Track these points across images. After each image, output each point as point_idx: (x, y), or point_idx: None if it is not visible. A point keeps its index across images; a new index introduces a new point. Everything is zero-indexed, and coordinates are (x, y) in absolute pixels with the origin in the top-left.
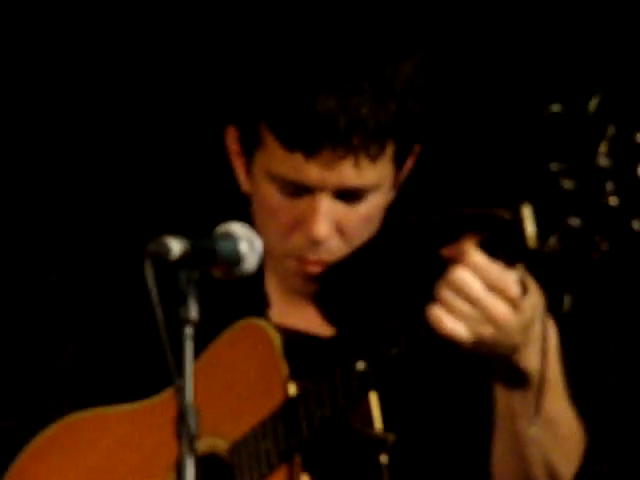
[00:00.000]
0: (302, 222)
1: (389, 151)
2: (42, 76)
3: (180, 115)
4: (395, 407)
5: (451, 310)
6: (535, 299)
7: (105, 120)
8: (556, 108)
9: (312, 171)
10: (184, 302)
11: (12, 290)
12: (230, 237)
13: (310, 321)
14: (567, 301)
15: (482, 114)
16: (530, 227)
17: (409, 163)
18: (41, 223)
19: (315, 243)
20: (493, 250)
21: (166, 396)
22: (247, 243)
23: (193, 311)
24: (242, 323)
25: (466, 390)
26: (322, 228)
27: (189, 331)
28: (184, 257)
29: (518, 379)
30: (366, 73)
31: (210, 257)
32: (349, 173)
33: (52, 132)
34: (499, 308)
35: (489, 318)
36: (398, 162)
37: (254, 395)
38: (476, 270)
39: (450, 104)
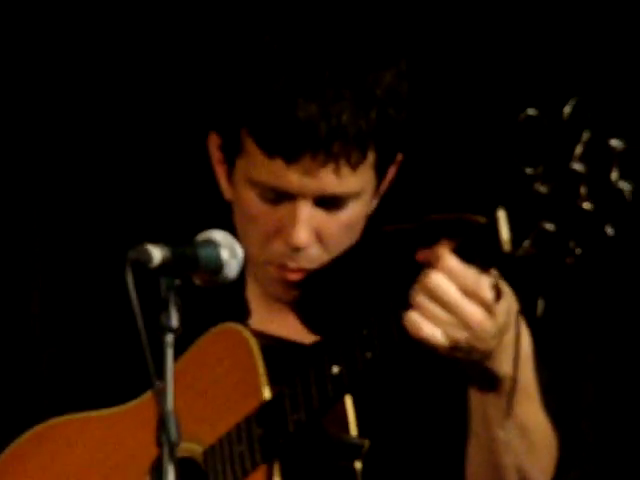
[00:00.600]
0: (282, 229)
1: (370, 159)
2: (17, 83)
3: (164, 122)
4: (369, 412)
5: (426, 315)
6: (509, 304)
7: (85, 128)
8: (531, 112)
9: (292, 177)
10: (165, 309)
11: None
12: (211, 244)
13: (291, 329)
14: (540, 305)
15: (457, 119)
16: (505, 231)
17: (391, 172)
18: (23, 230)
19: (295, 250)
20: (468, 255)
21: (144, 400)
22: (228, 250)
23: (174, 318)
24: (219, 328)
25: (441, 395)
26: (302, 235)
27: (170, 338)
28: (165, 264)
29: (491, 384)
30: (347, 80)
31: (191, 264)
32: (329, 180)
33: (33, 140)
34: (474, 313)
35: (464, 323)
36: (379, 170)
37: (231, 400)
38: (451, 275)
39: (427, 109)
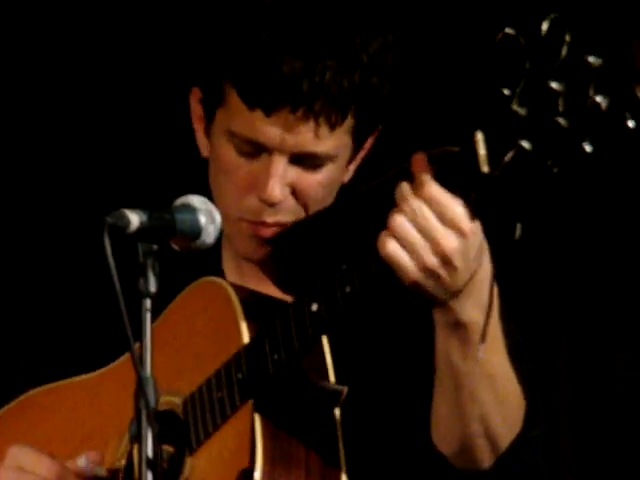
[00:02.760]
0: (256, 184)
1: (349, 123)
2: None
3: (143, 80)
4: (346, 359)
5: (399, 237)
6: (481, 242)
7: (63, 87)
8: (509, 31)
9: (271, 131)
10: (143, 275)
11: None
12: (189, 209)
13: (263, 290)
14: (518, 229)
15: (435, 41)
16: (482, 152)
17: (369, 142)
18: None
19: (269, 205)
20: (447, 181)
21: (122, 362)
22: (206, 216)
23: (152, 284)
24: (197, 282)
25: (413, 339)
26: (275, 189)
27: (147, 304)
28: (142, 229)
29: (457, 329)
30: (335, 41)
31: (169, 230)
32: (307, 137)
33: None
34: (448, 240)
35: (437, 249)
36: (357, 138)
37: (211, 349)
38: (431, 202)
39: (404, 32)
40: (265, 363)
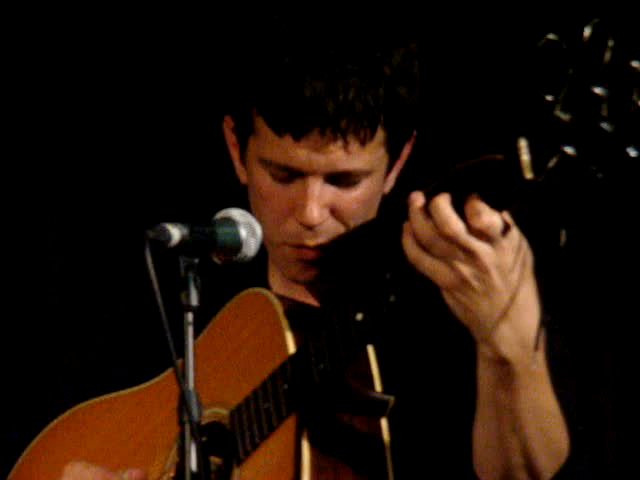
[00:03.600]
0: (295, 208)
1: (380, 136)
2: (34, 70)
3: (184, 108)
4: (392, 368)
5: (432, 250)
6: (523, 260)
7: (110, 111)
8: (551, 37)
9: (301, 154)
10: (185, 288)
11: (13, 285)
12: (230, 223)
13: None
14: (563, 236)
15: (476, 48)
16: (526, 157)
17: (405, 150)
18: (39, 215)
19: (309, 228)
20: (490, 192)
21: (167, 376)
22: (247, 228)
23: (193, 297)
24: (242, 293)
25: (459, 349)
26: (314, 212)
27: (190, 317)
28: (183, 243)
29: (498, 364)
30: (355, 57)
31: (210, 243)
32: (339, 156)
33: (50, 120)
34: (483, 248)
35: (473, 261)
36: (391, 149)
37: (257, 361)
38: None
39: (444, 38)
40: (311, 373)
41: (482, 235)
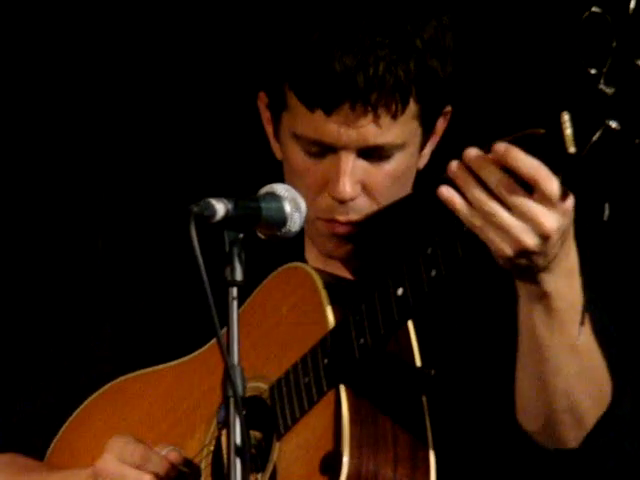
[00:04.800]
0: (327, 182)
1: (412, 110)
2: (74, 66)
3: (225, 85)
4: (431, 342)
5: (492, 222)
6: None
7: (156, 89)
8: (595, 10)
9: (333, 129)
10: (229, 263)
11: (56, 257)
12: (274, 197)
13: None
14: (606, 209)
15: (520, 19)
16: (569, 131)
17: (440, 125)
18: (87, 189)
19: (341, 202)
20: None
21: (206, 350)
22: (291, 203)
23: (238, 272)
24: (282, 268)
25: (497, 321)
26: (347, 187)
27: (234, 292)
28: (228, 218)
29: (543, 300)
30: (386, 30)
31: (254, 218)
32: (370, 130)
33: (95, 100)
34: (550, 220)
35: (539, 230)
36: (425, 122)
37: (296, 335)
38: (528, 179)
39: (488, 12)
40: (351, 348)
41: (544, 202)
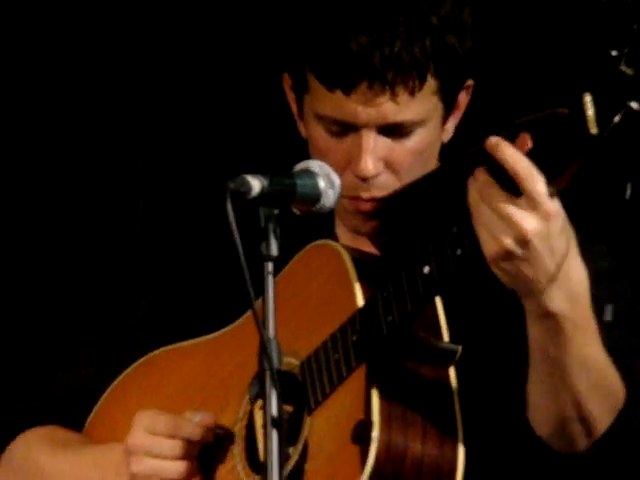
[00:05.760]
0: (350, 160)
1: (431, 85)
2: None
3: (259, 66)
4: (459, 318)
5: (477, 215)
6: (564, 225)
7: (198, 76)
8: None
9: (352, 108)
10: (265, 239)
11: (96, 232)
12: (309, 174)
13: None
14: (629, 189)
15: (538, 4)
16: (591, 112)
17: (462, 99)
18: (126, 167)
19: (364, 180)
20: (554, 145)
21: (239, 325)
22: (325, 180)
23: (274, 248)
24: (311, 245)
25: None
26: (369, 164)
27: (270, 267)
28: (263, 194)
29: (548, 320)
30: (401, 8)
31: (289, 194)
32: (389, 108)
33: (133, 80)
34: (527, 222)
35: (514, 232)
36: (445, 97)
37: (326, 311)
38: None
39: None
40: (379, 325)
41: (527, 202)
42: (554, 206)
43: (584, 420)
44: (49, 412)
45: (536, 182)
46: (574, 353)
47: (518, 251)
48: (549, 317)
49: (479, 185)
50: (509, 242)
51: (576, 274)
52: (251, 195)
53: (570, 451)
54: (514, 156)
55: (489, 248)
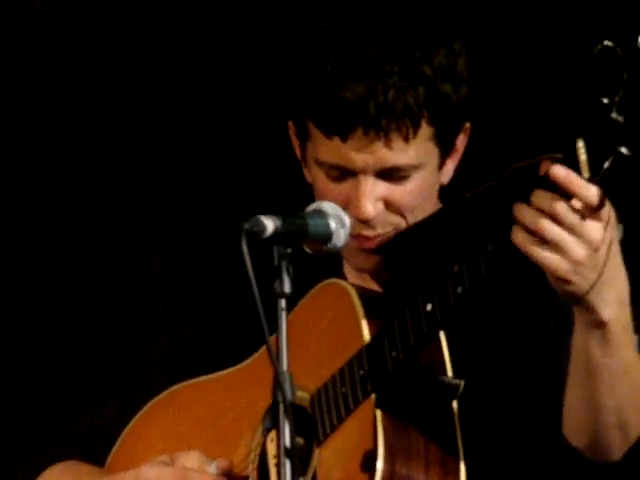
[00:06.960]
0: (350, 203)
1: (426, 132)
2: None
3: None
4: (462, 353)
5: (546, 238)
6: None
7: (203, 117)
8: (607, 43)
9: (350, 154)
10: (278, 276)
11: (120, 265)
12: (320, 214)
13: None
14: (620, 230)
15: (533, 55)
16: (583, 157)
17: (460, 142)
18: (144, 210)
19: (364, 222)
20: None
21: (254, 360)
22: (336, 220)
23: (287, 285)
24: (321, 284)
25: (534, 335)
26: (369, 207)
27: (283, 304)
28: (277, 234)
29: (598, 327)
30: (395, 58)
31: (302, 234)
32: (384, 154)
33: (145, 126)
34: (595, 231)
35: (587, 240)
36: (441, 142)
37: (335, 348)
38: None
39: (502, 45)
40: (384, 361)
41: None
42: (610, 212)
43: (622, 427)
44: (72, 448)
45: (590, 190)
46: (621, 357)
47: (587, 261)
48: (601, 325)
49: (543, 203)
50: (581, 253)
51: (622, 278)
52: (265, 235)
53: (605, 459)
54: (570, 175)
55: (558, 264)
